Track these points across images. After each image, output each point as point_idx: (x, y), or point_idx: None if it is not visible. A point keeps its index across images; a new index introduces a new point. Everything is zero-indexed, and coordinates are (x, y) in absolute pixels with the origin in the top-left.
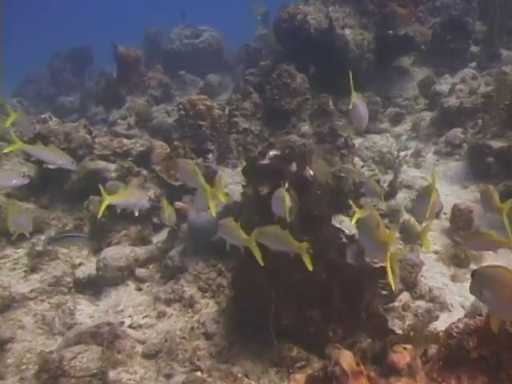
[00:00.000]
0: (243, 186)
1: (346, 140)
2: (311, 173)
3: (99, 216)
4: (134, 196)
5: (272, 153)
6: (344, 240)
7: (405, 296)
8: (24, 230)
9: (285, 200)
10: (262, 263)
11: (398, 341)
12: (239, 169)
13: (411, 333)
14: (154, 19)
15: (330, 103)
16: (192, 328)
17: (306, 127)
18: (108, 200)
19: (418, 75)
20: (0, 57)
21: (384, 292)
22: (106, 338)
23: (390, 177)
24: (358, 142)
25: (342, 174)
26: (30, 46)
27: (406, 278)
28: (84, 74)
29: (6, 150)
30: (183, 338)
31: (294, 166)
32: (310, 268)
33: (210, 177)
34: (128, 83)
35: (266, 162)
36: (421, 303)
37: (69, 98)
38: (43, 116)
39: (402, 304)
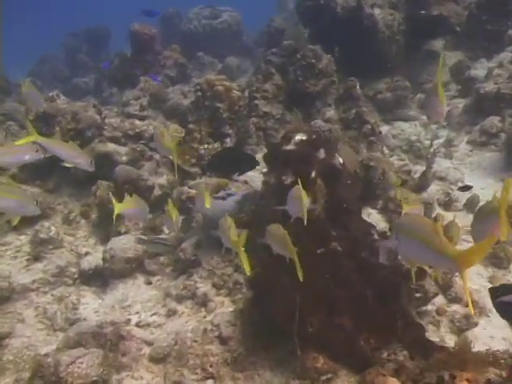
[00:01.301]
0: (265, 174)
1: (373, 127)
2: (341, 161)
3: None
4: (140, 205)
5: (298, 137)
6: (376, 236)
7: (439, 299)
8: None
9: (302, 199)
10: (248, 272)
11: (449, 361)
12: (259, 155)
13: (463, 353)
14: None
15: (357, 87)
16: (205, 330)
17: (331, 112)
18: (118, 209)
19: (450, 59)
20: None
21: (417, 294)
22: (110, 339)
23: (420, 167)
24: (384, 129)
25: (372, 163)
26: (47, 25)
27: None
28: (100, 55)
29: (19, 142)
30: (195, 340)
31: (322, 153)
32: (301, 279)
33: None
34: (143, 62)
35: (291, 147)
36: (457, 307)
37: (83, 79)
38: (51, 94)
39: (436, 308)
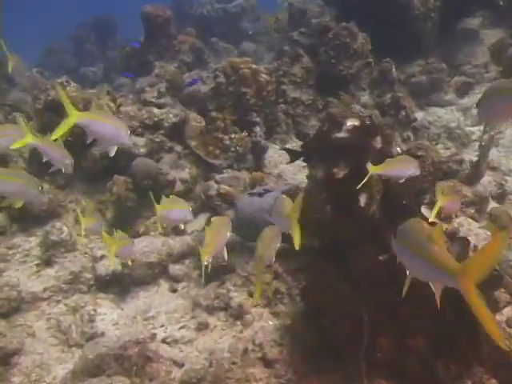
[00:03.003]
0: (310, 167)
1: (408, 113)
2: (398, 149)
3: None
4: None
5: (350, 123)
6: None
7: (509, 309)
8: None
9: (286, 215)
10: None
11: None
12: (289, 145)
13: None
14: None
15: (393, 70)
16: (245, 350)
17: (365, 97)
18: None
19: (488, 39)
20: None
21: None
22: (135, 362)
23: (468, 157)
24: (419, 116)
25: (420, 153)
26: (54, 15)
27: (508, 286)
28: (107, 44)
29: (13, 146)
30: (233, 362)
31: (378, 141)
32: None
33: (259, 155)
34: (156, 47)
35: (343, 135)
36: None
37: (91, 69)
38: (59, 80)
39: (505, 319)
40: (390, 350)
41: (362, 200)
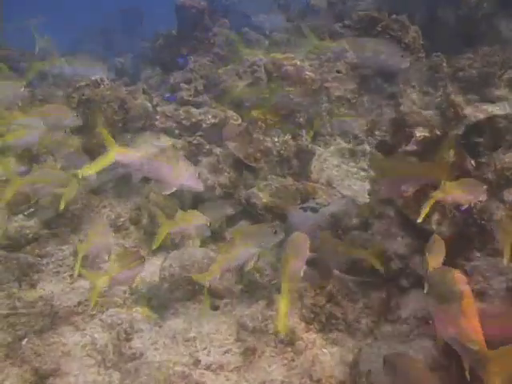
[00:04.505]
0: (373, 181)
1: (457, 111)
2: (473, 163)
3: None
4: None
5: (419, 134)
6: None
7: None
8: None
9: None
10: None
11: None
12: (333, 147)
13: None
14: None
15: (444, 64)
16: None
17: (414, 95)
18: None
19: None
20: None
21: None
22: None
23: None
24: (467, 113)
25: (483, 160)
26: (81, 6)
27: None
28: (134, 34)
29: None
30: None
31: (451, 155)
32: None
33: (305, 160)
34: (190, 40)
35: (412, 147)
36: None
37: (118, 59)
38: (93, 78)
39: None
40: None
41: (434, 220)
